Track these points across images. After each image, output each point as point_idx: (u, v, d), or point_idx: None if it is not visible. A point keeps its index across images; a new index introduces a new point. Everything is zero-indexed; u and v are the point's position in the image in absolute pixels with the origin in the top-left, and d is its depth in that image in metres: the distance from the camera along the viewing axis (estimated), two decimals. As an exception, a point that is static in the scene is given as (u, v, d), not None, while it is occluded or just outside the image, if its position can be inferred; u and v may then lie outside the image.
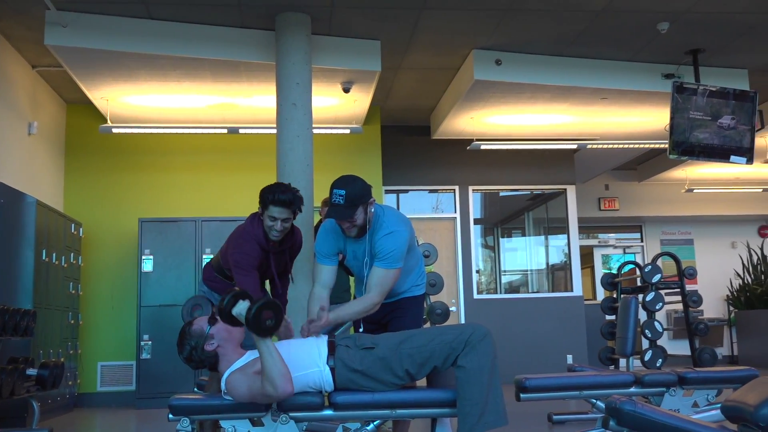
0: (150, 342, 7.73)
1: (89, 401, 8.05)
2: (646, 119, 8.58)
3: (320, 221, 6.55)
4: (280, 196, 3.75)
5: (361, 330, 3.67)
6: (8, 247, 6.43)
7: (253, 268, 3.90)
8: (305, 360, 3.09)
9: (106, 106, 7.70)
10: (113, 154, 8.55)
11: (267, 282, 4.24)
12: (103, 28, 6.22)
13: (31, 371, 5.90)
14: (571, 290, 9.90)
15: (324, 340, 3.19)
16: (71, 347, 7.57)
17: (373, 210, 3.51)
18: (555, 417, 5.36)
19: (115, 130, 7.91)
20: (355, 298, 3.79)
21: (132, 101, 7.64)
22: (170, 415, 3.10)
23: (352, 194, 3.42)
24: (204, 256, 7.98)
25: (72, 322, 7.62)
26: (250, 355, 3.15)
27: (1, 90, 6.56)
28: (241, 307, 2.93)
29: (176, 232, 8.04)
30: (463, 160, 9.65)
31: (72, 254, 7.63)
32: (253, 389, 2.93)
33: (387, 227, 3.50)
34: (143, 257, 7.91)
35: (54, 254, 7.04)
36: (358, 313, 3.51)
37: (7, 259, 6.40)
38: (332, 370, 3.07)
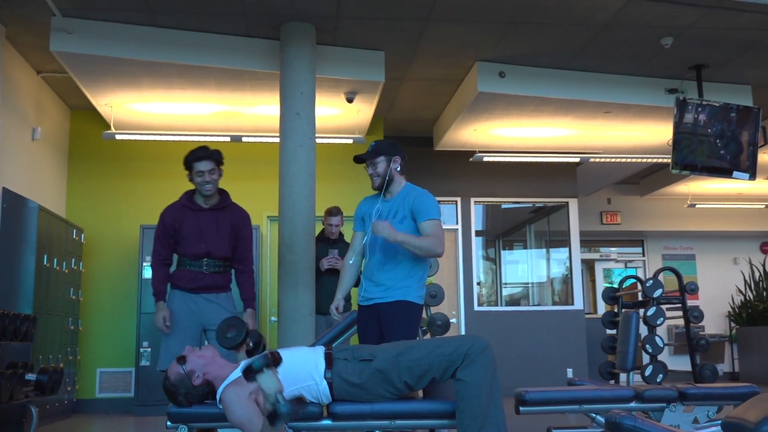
0: (149, 349, 7.72)
1: (88, 407, 8.02)
2: (649, 134, 8.58)
3: (322, 231, 6.56)
4: (198, 152, 4.21)
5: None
6: (10, 252, 6.43)
7: (164, 241, 4.24)
8: (302, 373, 3.07)
9: (110, 113, 7.71)
10: (116, 161, 8.56)
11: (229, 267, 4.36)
12: (109, 35, 6.24)
13: (30, 376, 5.89)
14: (572, 304, 9.88)
15: (321, 352, 3.17)
16: (71, 353, 7.55)
17: (400, 173, 3.99)
18: (554, 431, 5.32)
19: (118, 137, 7.92)
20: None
21: (136, 108, 7.66)
22: (168, 423, 3.10)
23: (379, 145, 4.03)
24: (205, 264, 7.97)
25: (72, 327, 7.61)
26: (243, 366, 3.12)
27: (5, 95, 6.57)
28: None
29: (178, 240, 8.03)
30: (466, 171, 9.66)
31: (73, 260, 7.63)
32: (247, 426, 2.89)
33: (420, 190, 3.96)
34: (144, 264, 7.90)
35: (55, 259, 7.04)
36: (424, 248, 3.76)
37: (8, 264, 6.40)
38: (329, 383, 3.05)
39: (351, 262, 4.06)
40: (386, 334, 3.74)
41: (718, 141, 7.15)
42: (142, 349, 7.73)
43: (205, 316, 4.18)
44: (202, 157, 4.17)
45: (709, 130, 7.12)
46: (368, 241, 3.91)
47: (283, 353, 3.27)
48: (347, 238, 6.02)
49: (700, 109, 7.09)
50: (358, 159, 4.02)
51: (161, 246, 4.26)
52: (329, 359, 3.10)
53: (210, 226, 4.18)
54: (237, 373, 3.08)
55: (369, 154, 3.98)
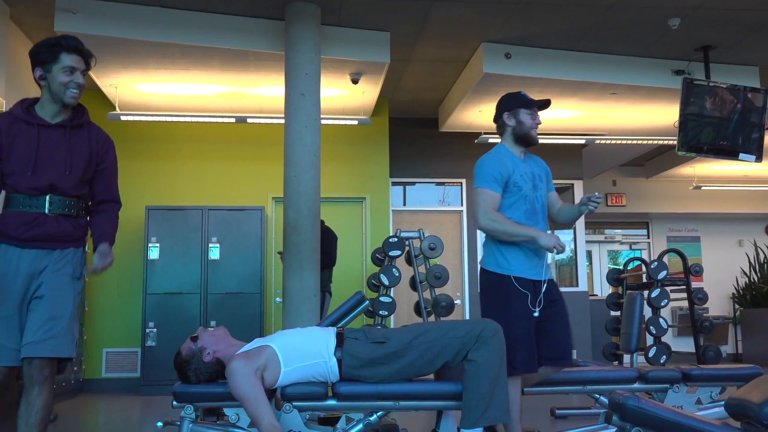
0: (155, 329, 7.77)
1: (94, 387, 8.09)
2: (656, 115, 8.55)
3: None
4: (71, 41, 3.00)
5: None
6: (16, 233, 6.45)
7: None
8: (312, 351, 3.10)
9: (115, 94, 7.71)
10: (121, 142, 8.44)
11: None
12: (113, 15, 6.22)
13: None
14: (577, 285, 9.89)
15: (333, 331, 3.20)
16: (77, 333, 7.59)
17: None
18: (558, 411, 5.36)
19: (123, 118, 7.93)
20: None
21: (141, 89, 7.65)
22: (174, 402, 3.12)
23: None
24: (210, 245, 8.00)
25: (78, 308, 7.65)
26: (255, 343, 3.15)
27: (10, 76, 6.57)
28: None
29: (183, 221, 8.06)
30: (471, 153, 9.57)
31: (79, 241, 7.66)
32: (250, 401, 2.91)
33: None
34: (150, 245, 7.94)
35: (61, 240, 7.06)
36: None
37: (14, 245, 6.42)
38: (339, 362, 3.08)
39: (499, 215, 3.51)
40: (561, 312, 3.57)
41: (724, 122, 7.12)
42: (148, 330, 7.77)
43: (36, 281, 2.92)
44: (77, 49, 3.00)
45: (716, 112, 7.08)
46: (527, 210, 3.53)
47: (296, 331, 3.30)
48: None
49: (706, 90, 7.05)
50: (544, 103, 3.62)
51: None
52: (340, 338, 3.13)
53: (58, 148, 2.98)
54: (248, 346, 3.11)
55: (546, 102, 3.63)
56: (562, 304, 3.61)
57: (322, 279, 6.29)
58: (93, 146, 3.09)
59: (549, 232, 3.57)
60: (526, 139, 3.60)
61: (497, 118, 3.67)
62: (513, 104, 3.61)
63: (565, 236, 10.42)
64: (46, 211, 2.94)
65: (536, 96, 8.00)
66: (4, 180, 2.94)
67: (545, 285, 3.52)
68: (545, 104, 3.63)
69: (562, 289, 11.01)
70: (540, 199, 3.60)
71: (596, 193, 3.49)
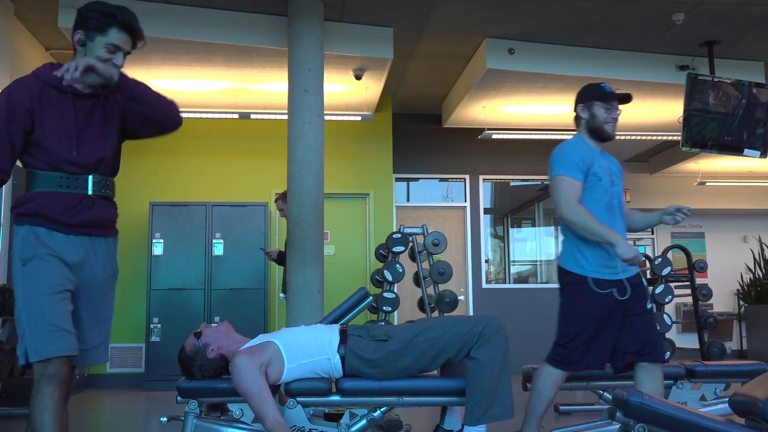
0: (159, 325, 7.79)
1: (99, 382, 8.11)
2: (660, 111, 8.53)
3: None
4: (127, 16, 2.61)
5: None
6: (20, 229, 6.47)
7: (10, 133, 2.46)
8: (316, 347, 3.10)
9: (119, 90, 7.71)
10: (125, 138, 8.57)
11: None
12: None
13: (42, 352, 5.94)
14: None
15: (336, 328, 3.20)
16: (81, 329, 7.62)
17: None
18: (561, 407, 5.36)
19: (127, 114, 7.93)
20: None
21: (144, 85, 7.65)
22: (179, 398, 3.13)
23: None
24: (214, 241, 8.01)
25: (82, 304, 7.68)
26: (259, 340, 3.16)
27: (15, 72, 6.57)
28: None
29: (186, 217, 8.07)
30: (474, 149, 9.63)
31: (83, 237, 7.68)
32: (255, 397, 2.92)
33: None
34: (154, 241, 7.95)
35: (65, 236, 7.08)
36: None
37: (18, 241, 6.44)
38: (342, 358, 3.08)
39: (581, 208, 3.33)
40: (646, 309, 3.41)
41: (729, 118, 7.10)
42: (152, 326, 7.79)
43: (82, 274, 2.55)
44: (130, 27, 2.61)
45: (721, 108, 7.06)
46: (607, 202, 3.37)
47: (300, 328, 3.30)
48: None
49: (711, 85, 7.03)
50: (624, 96, 3.44)
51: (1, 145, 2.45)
52: (344, 335, 3.13)
53: (95, 121, 2.60)
54: (252, 342, 3.12)
55: (626, 97, 3.44)
56: (647, 301, 3.45)
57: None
58: (122, 112, 2.69)
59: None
60: (599, 133, 3.45)
61: (574, 109, 3.55)
62: (589, 96, 3.47)
63: (568, 232, 10.40)
64: (90, 192, 2.56)
65: (539, 92, 8.04)
66: (32, 152, 2.51)
67: (629, 281, 3.34)
68: (625, 98, 3.45)
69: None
70: (617, 195, 3.44)
71: (687, 207, 3.33)
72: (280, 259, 6.74)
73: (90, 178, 2.56)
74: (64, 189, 2.51)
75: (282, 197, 6.68)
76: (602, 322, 3.30)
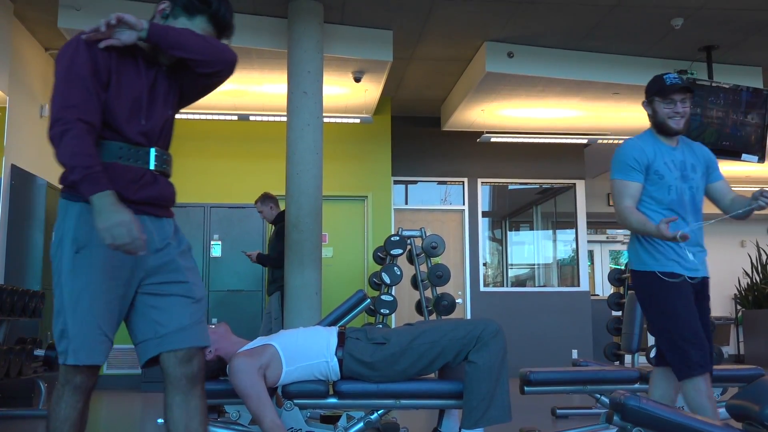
0: (157, 326, 7.78)
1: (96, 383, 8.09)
2: (658, 115, 8.54)
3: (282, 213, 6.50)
4: (223, 10, 2.38)
5: None
6: (18, 229, 6.47)
7: (92, 90, 2.14)
8: (314, 350, 3.10)
9: (118, 91, 7.71)
10: (124, 139, 8.57)
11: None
12: (116, 11, 6.21)
13: (39, 352, 5.96)
14: (578, 285, 9.89)
15: (334, 331, 3.20)
16: (78, 330, 7.61)
17: None
18: (559, 411, 5.36)
19: (126, 115, 7.94)
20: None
21: (143, 86, 7.65)
22: (176, 399, 3.12)
23: (685, 80, 3.29)
24: (212, 242, 8.01)
25: (80, 304, 7.67)
26: (257, 342, 3.16)
27: (14, 72, 6.58)
28: None
29: (185, 218, 8.06)
30: (473, 152, 9.64)
31: (81, 237, 7.68)
32: (253, 399, 2.91)
33: (698, 143, 3.39)
34: (152, 242, 7.94)
35: (63, 237, 7.08)
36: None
37: (16, 241, 6.44)
38: (340, 361, 3.08)
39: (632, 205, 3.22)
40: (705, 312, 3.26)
41: (727, 123, 7.11)
42: (149, 327, 7.78)
43: (150, 260, 2.24)
44: (222, 21, 2.38)
45: (719, 113, 7.08)
46: (674, 200, 3.22)
47: (298, 331, 3.30)
48: None
49: (709, 90, 7.05)
50: (680, 87, 3.22)
51: (87, 95, 2.13)
52: (342, 338, 3.13)
53: (158, 89, 2.34)
54: (251, 344, 3.12)
55: (688, 86, 3.23)
56: (709, 312, 3.30)
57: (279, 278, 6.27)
58: (178, 81, 2.43)
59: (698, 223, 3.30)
60: (662, 129, 3.27)
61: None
62: (649, 91, 3.32)
63: (566, 236, 10.43)
64: (152, 166, 2.29)
65: (538, 95, 8.05)
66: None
67: (697, 280, 3.23)
68: (685, 90, 3.23)
69: (563, 289, 10.98)
70: (690, 190, 3.26)
71: None
72: (261, 260, 6.72)
73: (152, 151, 2.30)
74: (124, 161, 2.21)
75: (260, 200, 6.68)
76: (688, 313, 3.13)
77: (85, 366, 2.17)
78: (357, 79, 7.31)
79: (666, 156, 3.24)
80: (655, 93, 3.27)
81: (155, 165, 2.30)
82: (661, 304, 3.16)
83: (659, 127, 3.28)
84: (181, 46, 2.23)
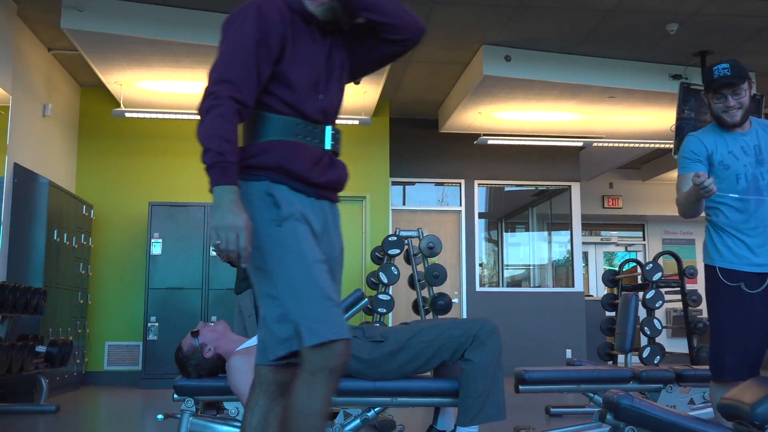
0: (157, 323, 7.84)
1: (96, 380, 8.16)
2: (653, 119, 8.63)
3: None
4: None
5: None
6: (21, 227, 6.54)
7: (257, 65, 1.99)
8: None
9: (120, 91, 7.77)
10: (125, 138, 8.63)
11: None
12: (119, 13, 6.29)
13: (40, 348, 6.03)
14: (573, 286, 9.98)
15: None
16: (80, 326, 7.68)
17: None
18: (553, 410, 5.43)
19: (128, 115, 7.99)
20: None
21: (145, 86, 7.71)
22: (175, 395, 3.17)
23: (737, 66, 3.09)
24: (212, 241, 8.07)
25: (81, 301, 7.73)
26: (255, 340, 3.21)
27: (17, 72, 6.63)
28: None
29: (185, 217, 8.13)
30: (470, 154, 9.71)
31: (83, 235, 7.74)
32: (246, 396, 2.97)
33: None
34: (152, 240, 8.00)
35: (65, 235, 7.14)
36: None
37: (19, 239, 6.51)
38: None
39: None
40: None
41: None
42: (149, 324, 7.85)
43: (324, 248, 2.05)
44: None
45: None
46: (745, 188, 3.03)
47: None
48: None
49: (704, 95, 7.12)
50: (722, 83, 3.06)
51: (247, 71, 1.99)
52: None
53: (332, 61, 2.15)
54: (249, 343, 3.17)
55: (736, 79, 3.04)
56: None
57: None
58: (349, 53, 2.22)
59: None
60: (719, 123, 3.14)
61: None
62: (704, 86, 3.18)
63: (561, 237, 10.50)
64: (328, 146, 2.08)
65: (535, 99, 8.10)
66: (270, 89, 2.01)
67: (759, 275, 3.00)
68: (726, 85, 3.07)
69: (558, 290, 11.03)
70: (766, 174, 3.05)
71: None
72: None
73: (328, 129, 2.08)
74: (302, 140, 2.02)
75: None
76: (735, 318, 2.98)
77: (338, 340, 1.91)
78: (356, 81, 7.37)
79: (732, 144, 3.09)
80: (706, 87, 3.14)
81: (331, 144, 2.09)
82: (714, 303, 3.08)
83: (716, 120, 3.16)
84: (375, 8, 2.05)
